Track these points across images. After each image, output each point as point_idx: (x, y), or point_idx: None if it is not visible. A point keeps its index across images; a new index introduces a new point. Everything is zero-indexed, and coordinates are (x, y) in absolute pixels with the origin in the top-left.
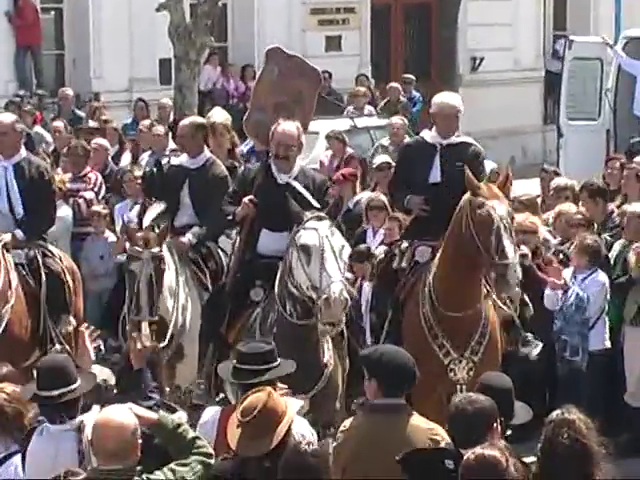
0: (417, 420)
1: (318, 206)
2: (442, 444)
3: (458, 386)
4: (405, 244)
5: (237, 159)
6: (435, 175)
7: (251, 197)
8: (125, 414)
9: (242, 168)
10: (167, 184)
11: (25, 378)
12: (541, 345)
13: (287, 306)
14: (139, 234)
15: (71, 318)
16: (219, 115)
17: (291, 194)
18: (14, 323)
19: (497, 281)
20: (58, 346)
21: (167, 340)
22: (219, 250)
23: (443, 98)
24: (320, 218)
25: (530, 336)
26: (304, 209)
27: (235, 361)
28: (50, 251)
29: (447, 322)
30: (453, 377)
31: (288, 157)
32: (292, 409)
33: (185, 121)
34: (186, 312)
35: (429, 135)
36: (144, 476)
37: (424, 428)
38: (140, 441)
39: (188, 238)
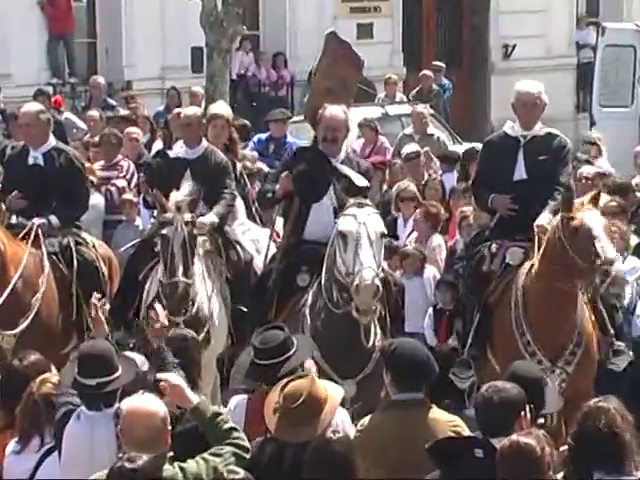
0: (437, 413)
1: (366, 184)
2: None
3: None
4: (494, 246)
5: (236, 154)
6: (520, 172)
7: (286, 175)
8: (154, 402)
9: (287, 153)
10: (168, 176)
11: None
12: (631, 356)
13: (334, 293)
14: (171, 201)
15: (107, 306)
16: (222, 108)
17: (338, 178)
18: (45, 311)
19: (605, 285)
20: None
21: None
22: (237, 242)
23: (522, 86)
24: (361, 205)
25: (622, 345)
26: (350, 195)
27: (252, 355)
28: (84, 239)
29: (540, 329)
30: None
31: (336, 140)
32: (335, 396)
33: (190, 110)
34: (212, 300)
35: (511, 127)
36: (176, 464)
37: (445, 420)
38: (170, 428)
39: (210, 219)
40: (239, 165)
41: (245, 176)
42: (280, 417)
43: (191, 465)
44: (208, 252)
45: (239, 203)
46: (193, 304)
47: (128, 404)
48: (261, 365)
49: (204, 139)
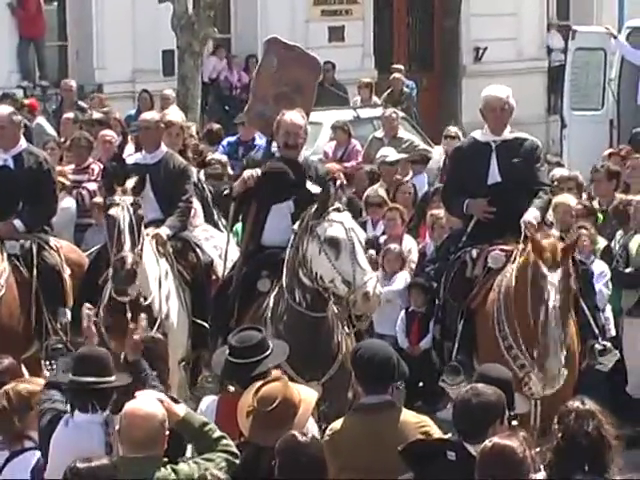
0: (405, 415)
1: (318, 191)
2: (434, 436)
3: (532, 401)
4: (475, 251)
5: (189, 160)
6: (494, 175)
7: (252, 172)
8: (153, 404)
9: (246, 158)
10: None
11: (30, 370)
12: (618, 354)
13: (296, 295)
14: (118, 187)
15: (67, 310)
16: (175, 115)
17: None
18: (5, 314)
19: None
20: (54, 338)
21: (155, 329)
22: (196, 245)
23: (490, 91)
24: (339, 210)
25: (607, 344)
26: (306, 201)
27: (227, 353)
28: (48, 243)
29: (522, 331)
30: (527, 391)
31: (297, 146)
32: (309, 399)
33: (148, 115)
34: (169, 302)
35: (480, 134)
36: (169, 466)
37: (413, 422)
38: (167, 432)
39: (165, 231)
40: (195, 170)
41: (203, 181)
42: (254, 420)
43: (183, 467)
44: (169, 255)
45: (198, 208)
46: (146, 299)
47: (128, 405)
48: (236, 364)
49: (163, 144)
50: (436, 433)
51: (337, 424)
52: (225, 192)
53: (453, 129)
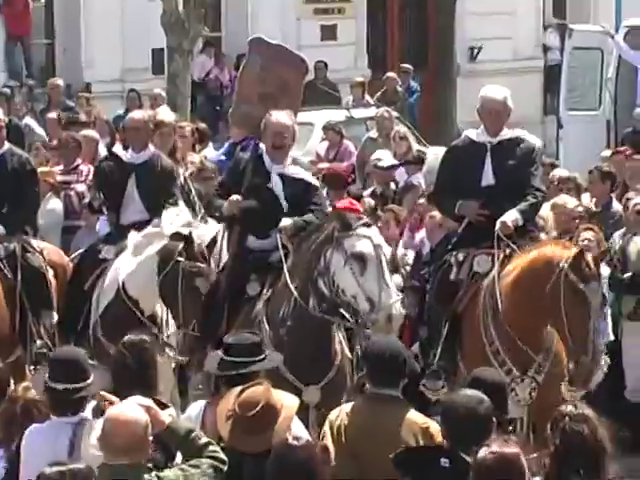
0: (413, 414)
1: (317, 183)
2: (437, 440)
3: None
4: (461, 255)
5: (177, 160)
6: (487, 177)
7: (238, 197)
8: (136, 410)
9: (234, 158)
10: (113, 180)
11: (14, 375)
12: (607, 358)
13: (310, 301)
14: (195, 248)
15: (53, 313)
16: (168, 115)
17: (288, 184)
18: None
19: (575, 371)
20: (39, 342)
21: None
22: None
23: (487, 92)
24: (368, 224)
25: None
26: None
27: (222, 352)
28: (31, 245)
29: (510, 338)
30: (514, 397)
31: (284, 146)
32: (290, 406)
33: (137, 114)
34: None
35: (475, 134)
36: (153, 474)
37: (419, 422)
38: (151, 438)
39: None
40: (182, 170)
41: (189, 182)
42: (234, 425)
43: (168, 474)
44: None
45: (184, 209)
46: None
47: (110, 411)
48: (227, 362)
49: (151, 145)
50: (439, 438)
51: (347, 407)
52: (217, 214)
53: (403, 129)
